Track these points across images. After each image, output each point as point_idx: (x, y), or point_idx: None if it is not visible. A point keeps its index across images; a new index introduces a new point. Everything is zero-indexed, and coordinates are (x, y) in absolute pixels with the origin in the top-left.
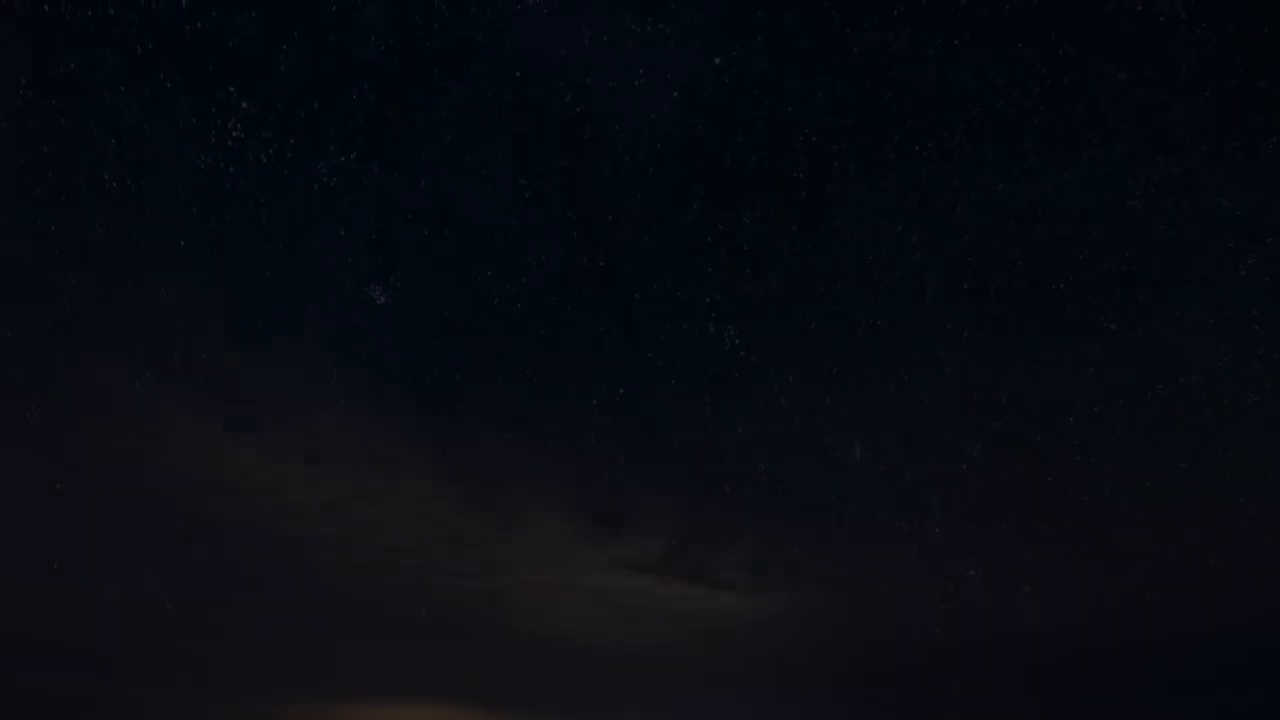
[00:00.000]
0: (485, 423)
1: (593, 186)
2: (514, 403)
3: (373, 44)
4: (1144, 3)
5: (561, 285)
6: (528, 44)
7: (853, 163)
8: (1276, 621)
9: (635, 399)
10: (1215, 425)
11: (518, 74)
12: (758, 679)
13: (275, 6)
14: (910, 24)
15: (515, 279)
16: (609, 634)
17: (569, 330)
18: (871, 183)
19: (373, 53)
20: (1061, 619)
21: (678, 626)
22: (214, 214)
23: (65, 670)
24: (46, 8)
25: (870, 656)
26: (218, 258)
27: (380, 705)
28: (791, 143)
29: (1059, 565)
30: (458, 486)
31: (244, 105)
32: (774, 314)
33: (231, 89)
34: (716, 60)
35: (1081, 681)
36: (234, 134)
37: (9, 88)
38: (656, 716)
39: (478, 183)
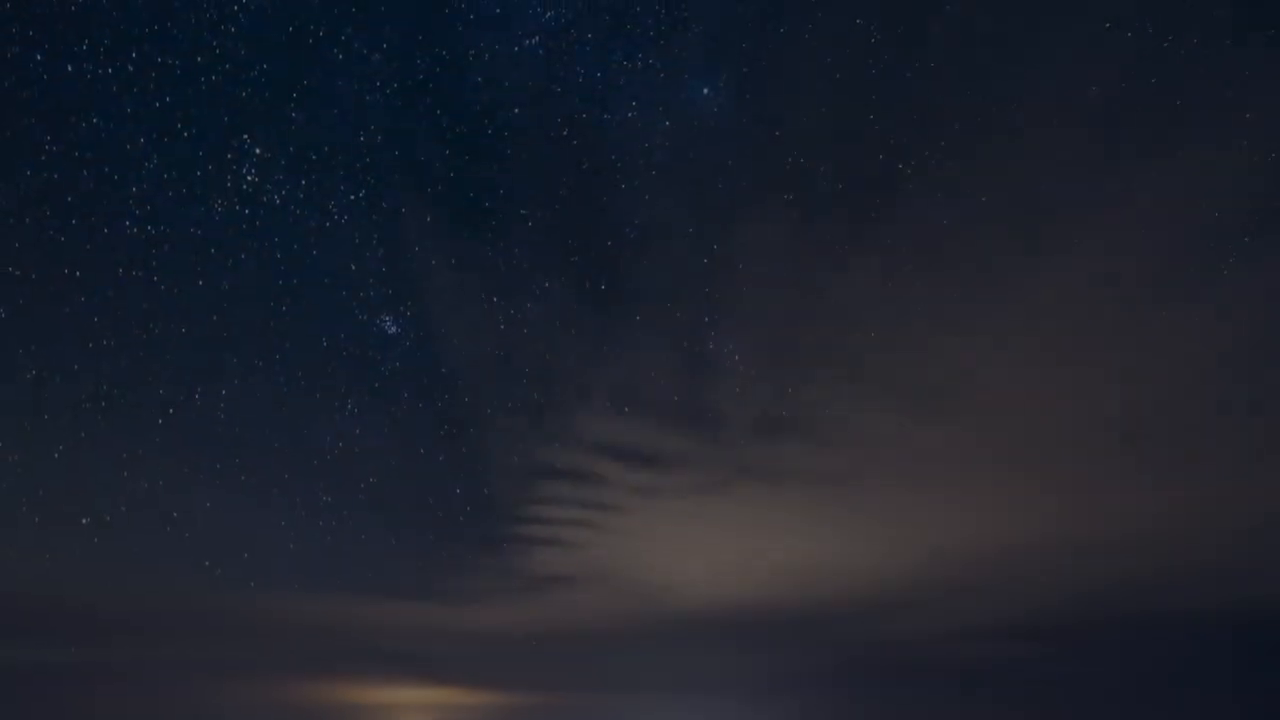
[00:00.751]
0: None
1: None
2: None
3: (378, 89)
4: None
5: None
6: (525, 82)
7: (845, 182)
8: None
9: None
10: None
11: (516, 110)
12: None
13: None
14: (890, 48)
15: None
16: None
17: None
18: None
19: (378, 96)
20: None
21: None
22: None
23: None
24: (69, 66)
25: None
26: None
27: None
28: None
29: None
30: None
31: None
32: None
33: (245, 135)
34: (705, 90)
35: None
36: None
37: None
38: None
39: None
